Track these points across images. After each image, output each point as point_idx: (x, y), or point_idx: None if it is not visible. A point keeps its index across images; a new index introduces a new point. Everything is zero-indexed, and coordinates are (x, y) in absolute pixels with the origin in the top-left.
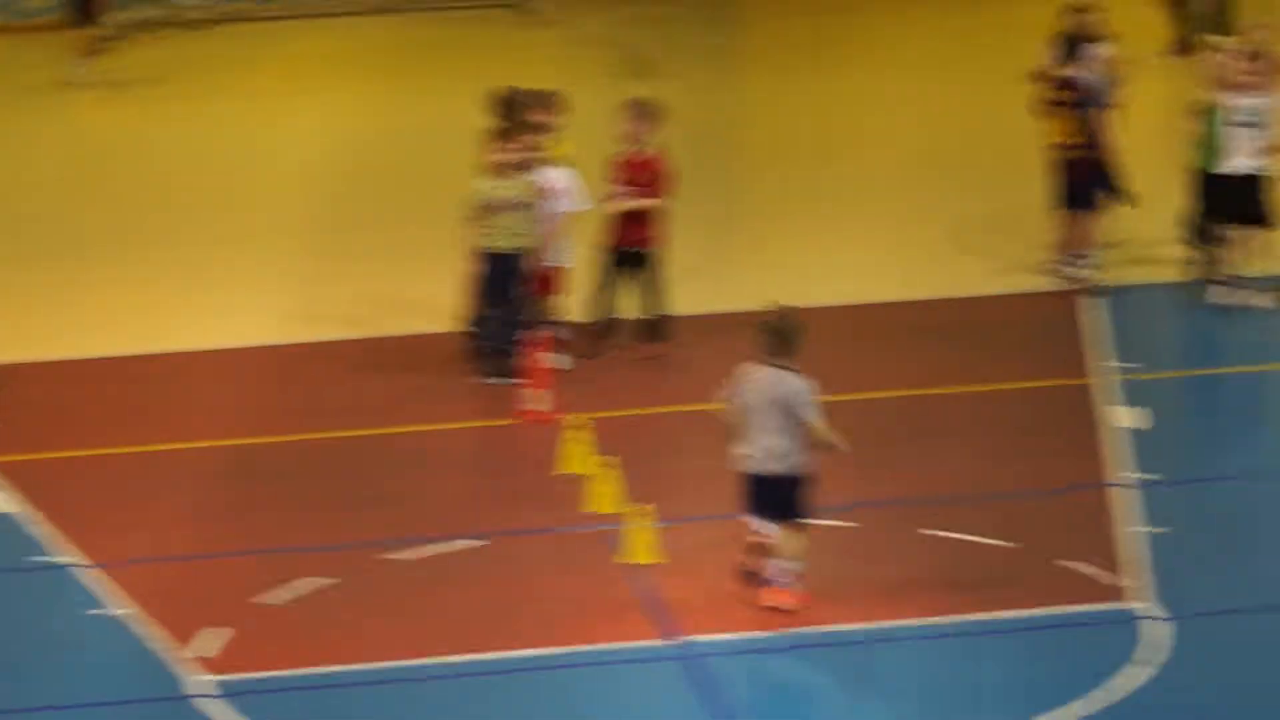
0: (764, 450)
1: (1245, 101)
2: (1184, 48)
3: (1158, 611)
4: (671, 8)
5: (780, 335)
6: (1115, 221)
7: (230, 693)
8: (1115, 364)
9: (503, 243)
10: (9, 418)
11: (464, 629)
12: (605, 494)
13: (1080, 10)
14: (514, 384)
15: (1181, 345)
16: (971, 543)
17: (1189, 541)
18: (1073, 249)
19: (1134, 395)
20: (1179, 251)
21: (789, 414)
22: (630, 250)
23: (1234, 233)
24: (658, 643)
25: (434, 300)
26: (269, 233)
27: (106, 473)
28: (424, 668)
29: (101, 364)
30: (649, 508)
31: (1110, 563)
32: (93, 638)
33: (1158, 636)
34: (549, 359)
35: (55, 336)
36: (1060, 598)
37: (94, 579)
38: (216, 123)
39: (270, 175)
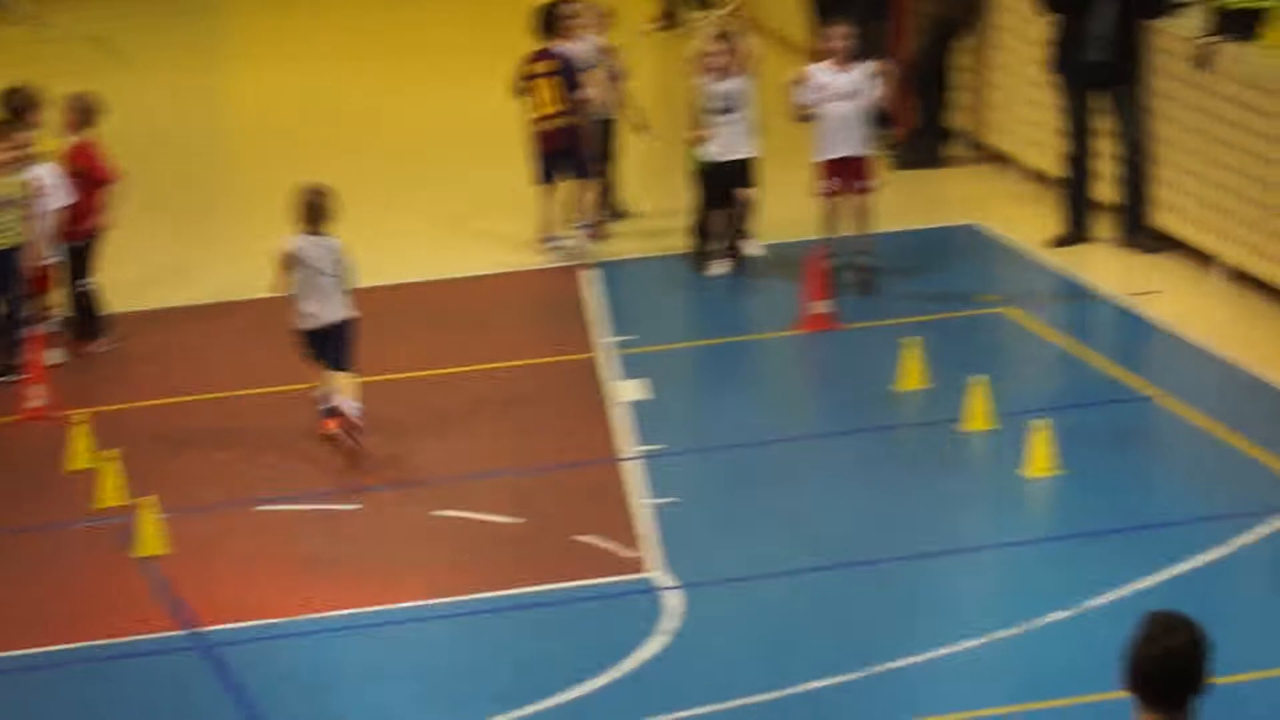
0: (320, 306)
1: (720, 86)
2: (670, 21)
3: (670, 581)
4: (143, 3)
5: (316, 207)
6: (611, 194)
7: None
8: (616, 338)
9: (1, 241)
10: None
11: None
12: (110, 488)
13: None
14: (16, 381)
15: (679, 317)
16: (485, 521)
17: (695, 511)
18: (563, 222)
19: (635, 368)
20: (674, 224)
21: (337, 271)
22: (74, 243)
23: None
24: (178, 633)
25: None
26: None
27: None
28: None
29: None
30: (153, 499)
31: (623, 535)
32: None
33: (672, 605)
34: (47, 355)
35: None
36: (578, 572)
37: None
38: None
39: None
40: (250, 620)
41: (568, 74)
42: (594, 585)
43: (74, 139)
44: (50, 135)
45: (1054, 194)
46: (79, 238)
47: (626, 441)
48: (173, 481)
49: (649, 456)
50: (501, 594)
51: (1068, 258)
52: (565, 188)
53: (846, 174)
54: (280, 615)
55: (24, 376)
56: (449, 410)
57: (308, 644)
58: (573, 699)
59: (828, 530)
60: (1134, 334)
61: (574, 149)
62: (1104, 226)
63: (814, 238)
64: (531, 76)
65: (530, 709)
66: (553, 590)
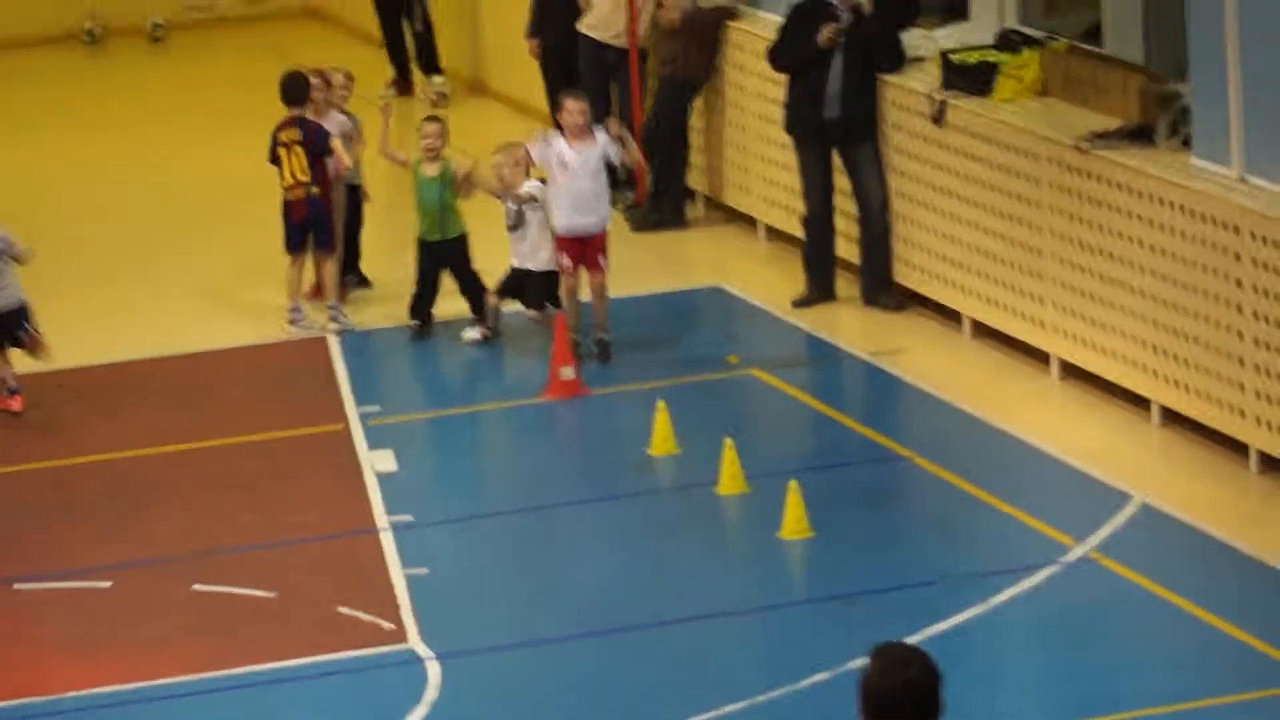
0: None
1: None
2: (405, 85)
3: (425, 651)
4: None
5: None
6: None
7: None
8: (363, 408)
9: None
10: None
11: None
12: None
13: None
14: None
15: (422, 386)
16: (241, 595)
17: (448, 581)
18: (311, 293)
19: (382, 439)
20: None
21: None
22: None
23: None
24: None
25: None
26: None
27: None
28: None
29: None
30: None
31: (383, 607)
32: None
33: (429, 675)
34: None
35: None
36: (339, 644)
37: None
38: None
39: None
40: (8, 700)
41: (313, 144)
42: (356, 657)
43: None
44: None
45: (796, 254)
46: None
47: (377, 512)
48: None
49: (398, 527)
50: (263, 668)
51: (812, 318)
52: (317, 257)
53: (583, 251)
54: (39, 694)
55: None
56: (200, 484)
57: None
58: None
59: (585, 598)
60: (881, 392)
61: (318, 220)
62: (847, 285)
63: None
64: (278, 145)
65: None
66: (315, 663)
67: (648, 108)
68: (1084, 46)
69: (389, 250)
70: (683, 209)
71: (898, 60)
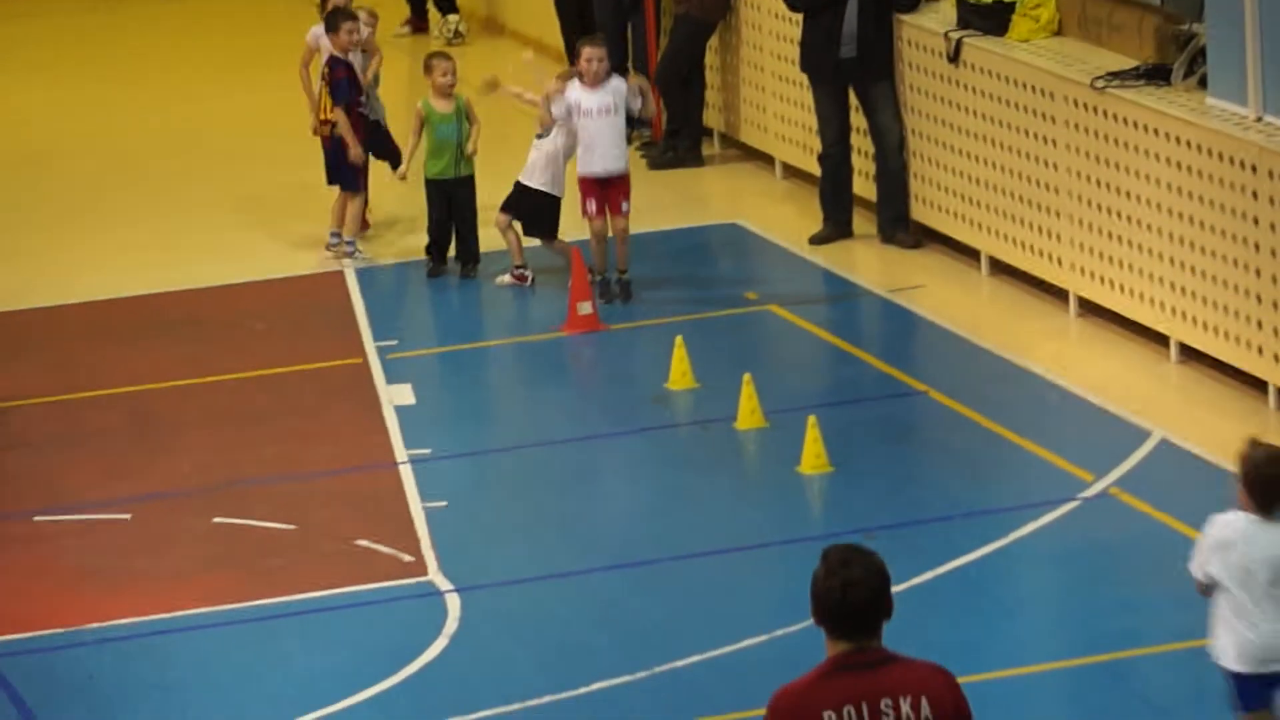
0: None
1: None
2: (421, 24)
3: (445, 584)
4: None
5: None
6: (377, 196)
7: None
8: (381, 342)
9: None
10: None
11: None
12: None
13: None
14: None
15: (440, 320)
16: (260, 528)
17: (466, 514)
18: (337, 226)
19: (400, 373)
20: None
21: None
22: None
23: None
24: None
25: None
26: None
27: None
28: None
29: None
30: None
31: (402, 540)
32: None
33: (448, 608)
34: None
35: None
36: (357, 577)
37: None
38: None
39: None
40: (29, 632)
41: (332, 86)
42: (375, 590)
43: None
44: None
45: (813, 191)
46: None
47: (397, 446)
48: None
49: (416, 461)
50: (283, 600)
51: (830, 254)
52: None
53: (607, 193)
54: (60, 626)
55: None
56: (219, 417)
57: (89, 655)
58: (355, 704)
59: (604, 531)
60: (899, 328)
61: (332, 160)
62: (864, 222)
63: (575, 240)
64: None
65: (316, 715)
66: (334, 596)
67: (663, 46)
68: None
69: (410, 185)
70: (699, 147)
71: None
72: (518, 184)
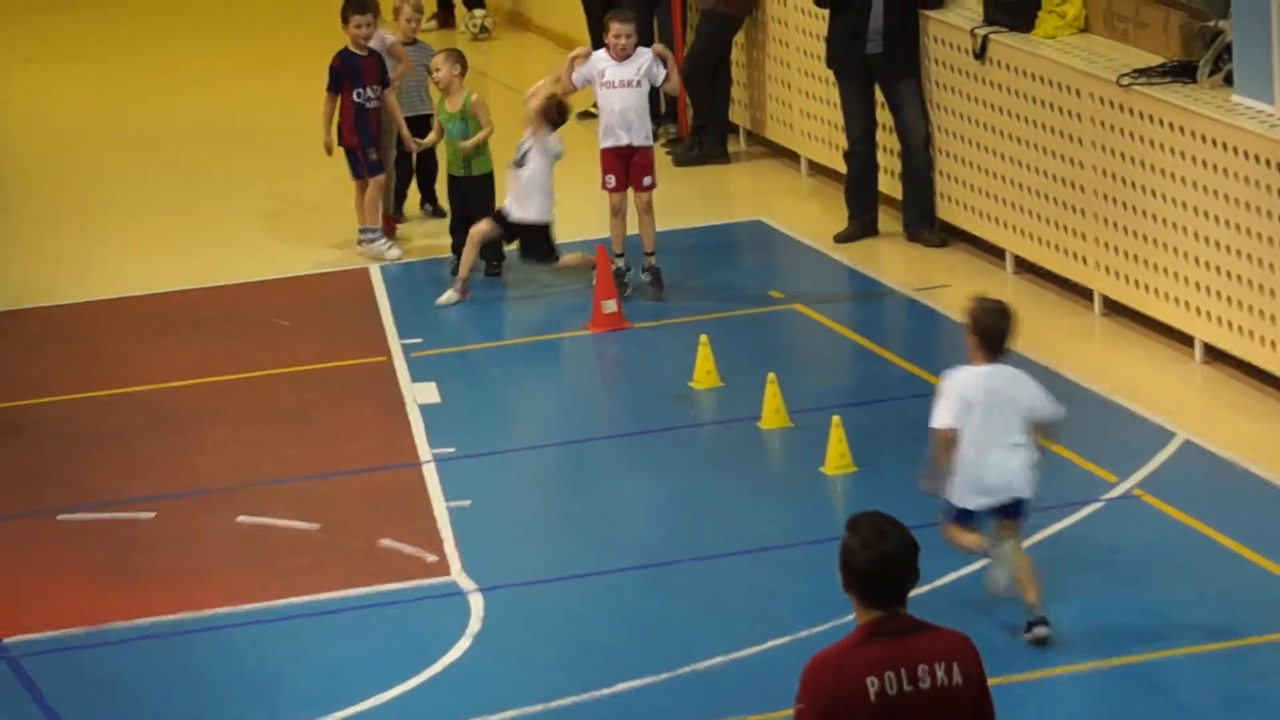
0: None
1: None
2: (447, 18)
3: (468, 584)
4: None
5: None
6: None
7: None
8: (406, 340)
9: None
10: None
11: None
12: None
13: None
14: None
15: (464, 318)
16: (284, 527)
17: (490, 514)
18: (363, 222)
19: (425, 371)
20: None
21: None
22: None
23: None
24: None
25: None
26: None
27: None
28: None
29: None
30: None
31: (425, 539)
32: None
33: (471, 607)
34: None
35: None
36: (380, 576)
37: None
38: None
39: None
40: (52, 630)
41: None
42: (398, 589)
43: None
44: None
45: (838, 189)
46: None
47: (420, 445)
48: None
49: (440, 460)
50: (306, 600)
51: (855, 252)
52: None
53: (628, 166)
54: (83, 624)
55: None
56: (243, 415)
57: (112, 654)
58: (377, 704)
59: (627, 531)
60: (924, 327)
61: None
62: (890, 220)
63: (600, 237)
64: None
65: (339, 714)
66: (357, 595)
67: (689, 42)
68: None
69: (439, 184)
70: (725, 144)
71: None
72: (504, 215)
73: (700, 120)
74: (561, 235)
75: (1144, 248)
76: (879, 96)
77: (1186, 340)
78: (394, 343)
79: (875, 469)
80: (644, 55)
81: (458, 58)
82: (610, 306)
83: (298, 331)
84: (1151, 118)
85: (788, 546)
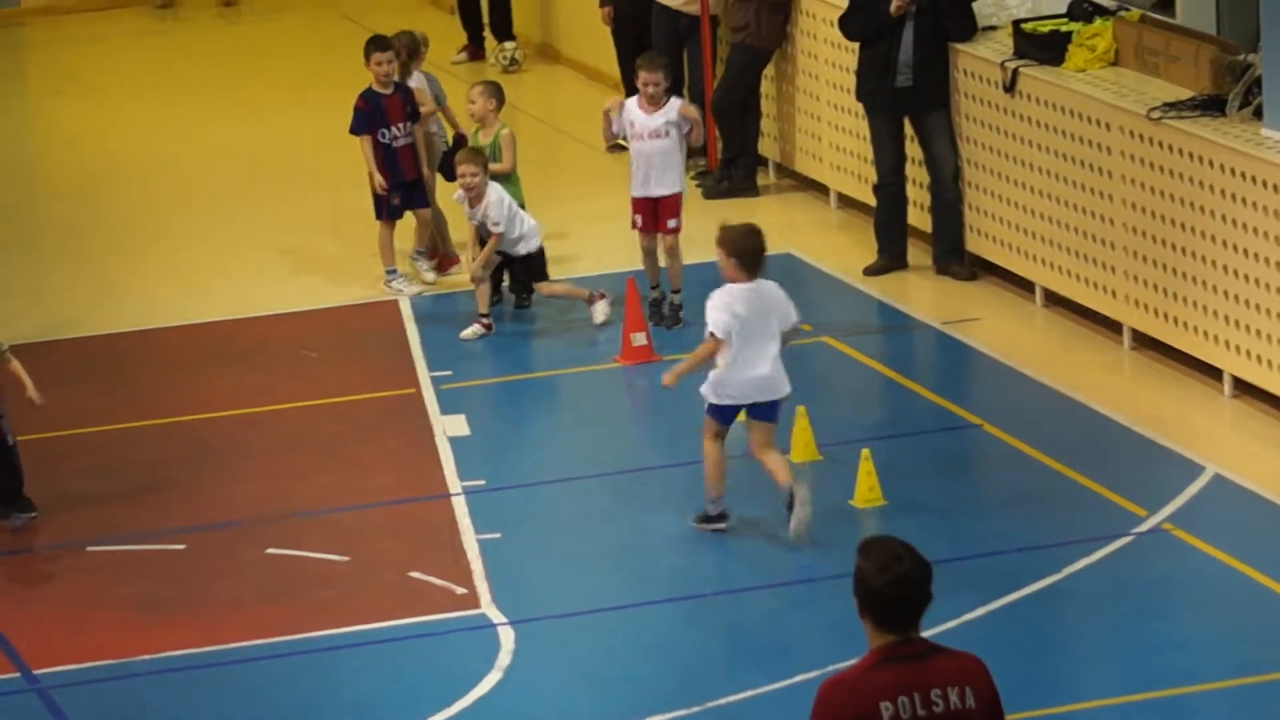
0: None
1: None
2: (477, 51)
3: (498, 616)
4: None
5: None
6: (423, 228)
7: None
8: (435, 373)
9: None
10: None
11: None
12: None
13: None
14: None
15: (494, 351)
16: (314, 559)
17: (520, 546)
18: (385, 260)
19: (454, 403)
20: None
21: None
22: None
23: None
24: (13, 676)
25: None
26: None
27: None
28: None
29: None
30: None
31: (455, 572)
32: None
33: (500, 640)
34: None
35: None
36: (410, 609)
37: None
38: None
39: None
40: (83, 662)
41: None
42: (428, 622)
43: None
44: None
45: (867, 222)
46: None
47: (450, 477)
48: None
49: (470, 492)
50: (335, 632)
51: (884, 286)
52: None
53: (655, 212)
54: (113, 657)
55: None
56: (273, 446)
57: (143, 686)
58: None
59: (657, 564)
60: (953, 361)
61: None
62: (919, 253)
63: (629, 270)
64: None
65: None
66: (387, 628)
67: (719, 74)
68: (1156, 16)
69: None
70: (754, 176)
71: (969, 29)
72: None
73: (730, 153)
74: (592, 269)
75: (1174, 281)
76: (908, 130)
77: (1216, 374)
78: (424, 375)
79: (904, 502)
80: (673, 105)
81: (495, 90)
82: (640, 339)
83: (328, 363)
84: (1181, 151)
85: (816, 580)
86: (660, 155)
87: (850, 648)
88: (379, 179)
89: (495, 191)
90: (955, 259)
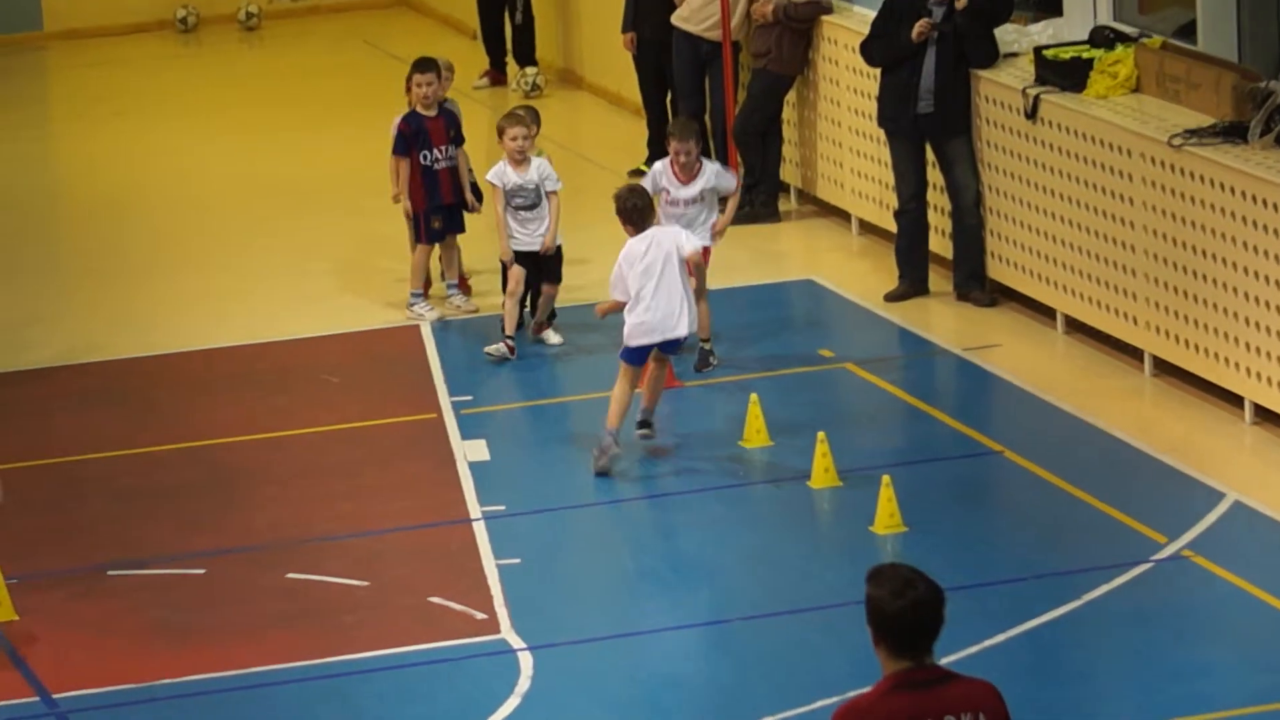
0: None
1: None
2: (499, 77)
3: (518, 642)
4: None
5: None
6: (449, 253)
7: None
8: (456, 398)
9: None
10: None
11: None
12: None
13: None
14: None
15: (514, 376)
16: (333, 584)
17: (539, 572)
18: (414, 283)
19: (475, 428)
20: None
21: None
22: None
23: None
24: (32, 700)
25: None
26: None
27: None
28: None
29: None
30: None
31: (475, 597)
32: None
33: (520, 666)
34: None
35: None
36: (429, 634)
37: None
38: None
39: None
40: (102, 687)
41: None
42: (448, 647)
43: None
44: None
45: (889, 248)
46: None
47: (470, 502)
48: (16, 547)
49: (490, 517)
50: (355, 657)
51: (905, 312)
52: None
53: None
54: (132, 681)
55: None
56: (294, 471)
57: (163, 710)
58: None
59: (677, 589)
60: (974, 387)
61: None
62: (940, 280)
63: None
64: None
65: None
66: (407, 653)
67: (741, 100)
68: (1178, 43)
69: (483, 238)
70: (776, 202)
71: (991, 55)
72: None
73: (751, 179)
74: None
75: (1194, 308)
76: (930, 156)
77: (1237, 401)
78: (444, 400)
79: (925, 528)
80: (709, 171)
81: (534, 117)
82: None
83: (349, 388)
84: (1203, 178)
85: (837, 606)
86: (691, 218)
87: (872, 673)
88: (406, 203)
89: (536, 159)
90: (976, 285)
